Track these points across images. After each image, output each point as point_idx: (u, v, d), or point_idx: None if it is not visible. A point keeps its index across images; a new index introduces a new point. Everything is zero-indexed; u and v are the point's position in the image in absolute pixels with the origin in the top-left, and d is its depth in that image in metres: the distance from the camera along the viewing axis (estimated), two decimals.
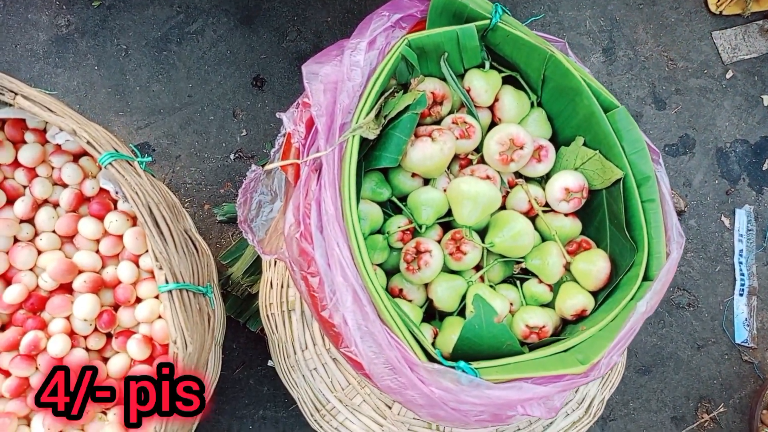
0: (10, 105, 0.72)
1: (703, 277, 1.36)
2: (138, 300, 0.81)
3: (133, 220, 0.81)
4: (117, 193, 0.71)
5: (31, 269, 0.80)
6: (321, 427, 0.95)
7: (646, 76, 1.44)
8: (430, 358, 0.72)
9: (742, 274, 1.36)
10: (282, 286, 0.98)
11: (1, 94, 0.68)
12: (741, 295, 1.35)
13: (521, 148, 0.82)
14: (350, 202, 0.72)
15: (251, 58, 1.30)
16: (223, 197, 1.24)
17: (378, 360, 0.70)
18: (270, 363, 1.17)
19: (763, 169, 1.42)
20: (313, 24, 1.34)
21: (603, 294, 0.81)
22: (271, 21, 1.32)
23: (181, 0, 1.30)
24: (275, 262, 1.01)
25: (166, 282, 0.67)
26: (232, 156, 1.26)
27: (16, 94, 0.68)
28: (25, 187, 0.82)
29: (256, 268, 1.14)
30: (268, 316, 0.99)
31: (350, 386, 0.94)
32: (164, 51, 1.28)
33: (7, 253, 0.79)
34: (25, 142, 0.81)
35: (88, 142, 0.68)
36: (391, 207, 0.85)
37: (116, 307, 0.82)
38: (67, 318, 0.79)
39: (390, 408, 0.95)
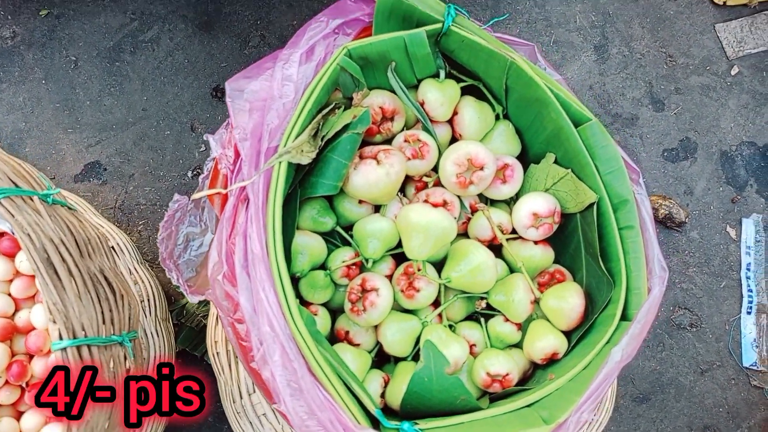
0: None
1: (707, 295, 1.25)
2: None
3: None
4: (13, 233, 0.63)
5: None
6: None
7: (642, 74, 1.33)
8: (373, 418, 0.63)
9: (750, 291, 1.25)
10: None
11: None
12: (749, 313, 1.24)
13: (481, 168, 0.72)
14: (276, 240, 0.63)
15: (211, 66, 1.21)
16: None
17: (310, 422, 0.61)
18: None
19: None
20: (278, 28, 1.25)
21: (577, 334, 0.72)
22: (232, 26, 1.23)
23: (135, 6, 1.21)
24: None
25: (60, 338, 0.58)
26: (189, 174, 1.18)
27: None
28: None
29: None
30: (214, 354, 0.91)
31: None
32: (117, 62, 1.19)
33: None
34: None
35: None
36: (338, 237, 0.76)
37: (30, 356, 0.74)
38: None
39: None
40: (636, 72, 1.34)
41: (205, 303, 1.06)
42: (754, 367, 1.23)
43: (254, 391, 0.86)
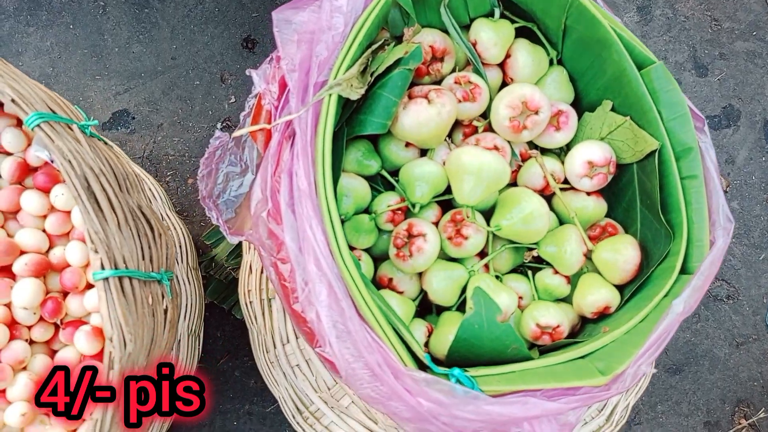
0: None
1: (745, 267, 1.21)
2: (89, 286, 0.71)
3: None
4: (52, 161, 0.61)
5: None
6: (304, 430, 0.85)
7: (686, 38, 1.29)
8: (421, 364, 0.61)
9: None
10: (262, 272, 0.87)
11: None
12: None
13: (536, 113, 0.69)
14: (325, 175, 0.60)
15: (242, 16, 1.18)
16: None
17: (356, 365, 0.59)
18: None
19: None
20: None
21: (631, 288, 0.69)
22: None
23: None
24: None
25: (102, 268, 0.56)
26: (219, 125, 1.15)
27: None
28: None
29: (241, 249, 1.04)
30: (247, 304, 0.89)
31: (337, 386, 0.83)
32: (146, 8, 1.16)
33: None
34: None
35: (13, 100, 0.57)
36: (382, 182, 0.73)
37: (65, 294, 0.72)
38: (7, 305, 0.69)
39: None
40: (679, 35, 1.29)
41: (235, 255, 1.04)
42: None
43: (288, 342, 0.84)
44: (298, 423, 0.85)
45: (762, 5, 1.31)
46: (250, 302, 0.87)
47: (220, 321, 1.08)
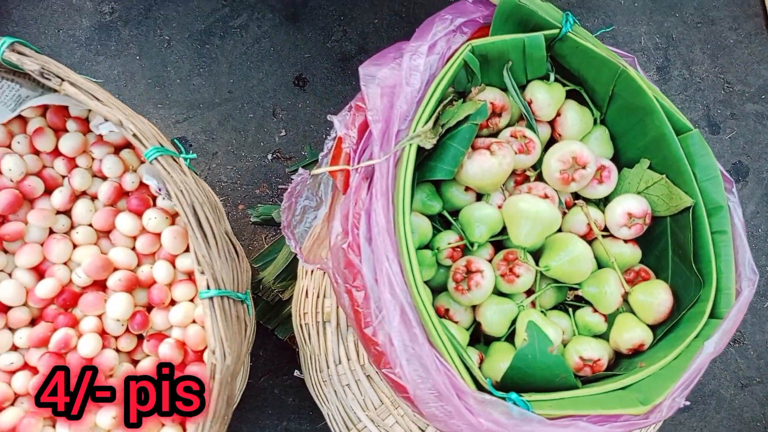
0: (56, 91, 0.69)
1: (751, 313, 1.29)
2: (172, 302, 0.77)
3: (172, 219, 0.78)
4: (159, 189, 0.68)
5: (65, 263, 0.77)
6: None
7: (700, 98, 1.39)
8: (479, 387, 0.68)
9: None
10: (318, 296, 0.94)
11: (48, 80, 0.65)
12: None
13: (584, 167, 0.77)
14: (404, 213, 0.68)
15: (294, 56, 1.27)
16: (258, 198, 1.20)
17: (424, 385, 0.66)
18: (297, 373, 1.13)
19: None
20: (360, 25, 1.30)
21: (663, 329, 0.76)
22: (316, 20, 1.29)
23: None
24: (312, 270, 0.97)
25: (208, 288, 0.63)
26: (269, 156, 1.23)
27: (62, 80, 0.65)
28: (63, 177, 0.79)
29: (288, 273, 1.11)
30: (301, 326, 0.95)
31: (383, 406, 0.90)
32: (207, 44, 1.25)
33: (42, 244, 0.76)
34: (66, 131, 0.78)
35: (134, 135, 0.65)
36: (440, 221, 0.81)
37: (149, 308, 0.78)
38: (99, 317, 0.76)
39: (424, 431, 0.91)
40: (695, 95, 1.39)
41: (281, 279, 1.11)
42: None
43: (339, 363, 0.91)
44: None
45: None
46: (305, 324, 0.94)
47: (264, 340, 1.14)
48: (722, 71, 1.41)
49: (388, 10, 1.32)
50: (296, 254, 0.78)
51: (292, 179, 0.78)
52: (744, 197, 1.35)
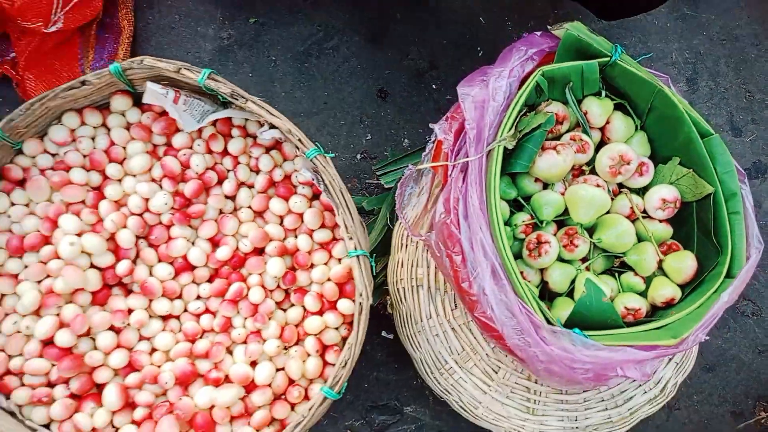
0: (233, 106, 0.94)
1: (767, 289, 1.50)
2: (312, 266, 1.02)
3: (310, 202, 1.02)
4: (315, 180, 0.92)
5: (233, 235, 1.02)
6: (438, 383, 1.15)
7: (725, 105, 1.59)
8: (550, 326, 0.91)
9: None
10: (412, 266, 1.18)
11: (236, 99, 0.90)
12: None
13: (628, 163, 1.00)
14: (495, 196, 0.91)
15: (377, 72, 1.51)
16: (351, 191, 1.45)
17: (510, 323, 0.89)
18: (384, 333, 1.37)
19: None
20: (430, 45, 1.54)
21: (689, 287, 0.99)
22: (394, 41, 1.53)
23: (321, 20, 1.52)
24: (405, 245, 1.21)
25: (355, 249, 0.87)
26: (358, 156, 1.47)
27: (246, 99, 0.90)
28: (229, 171, 1.04)
29: (378, 250, 1.35)
30: (398, 289, 1.19)
31: (465, 352, 1.13)
32: (306, 63, 1.50)
33: (216, 221, 1.01)
34: (231, 136, 1.03)
35: (299, 140, 0.89)
36: (514, 205, 1.04)
37: (294, 269, 1.03)
38: (260, 275, 1.00)
39: (496, 373, 1.14)
40: (720, 103, 1.60)
41: (374, 256, 1.35)
42: None
43: (430, 317, 1.15)
44: (434, 378, 1.15)
45: None
46: (402, 288, 1.18)
47: None
48: (744, 82, 1.61)
49: (453, 32, 1.56)
50: (404, 228, 1.02)
51: (391, 174, 1.02)
52: (763, 191, 1.55)
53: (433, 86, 1.52)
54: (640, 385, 1.16)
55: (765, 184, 1.55)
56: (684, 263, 0.98)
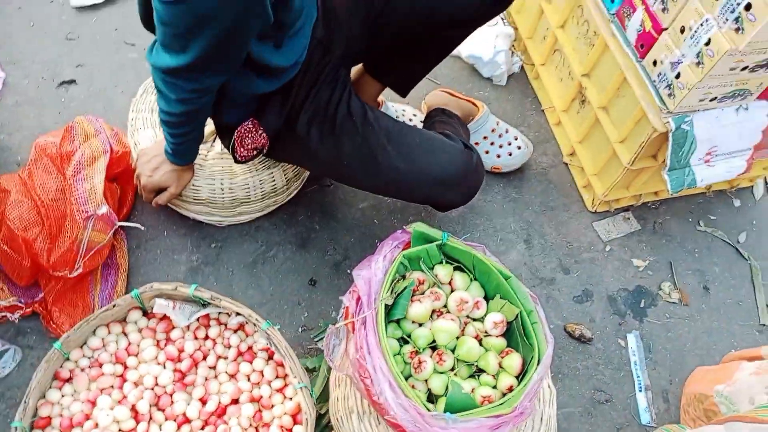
0: (212, 305, 1.44)
1: (613, 381, 2.00)
2: (272, 405, 1.45)
3: (267, 361, 1.49)
4: (269, 345, 1.40)
5: (216, 393, 1.45)
6: None
7: (554, 254, 2.22)
8: (431, 413, 1.37)
9: (639, 377, 2.00)
10: (345, 398, 1.63)
11: (216, 300, 1.41)
12: (640, 391, 1.99)
13: (467, 302, 1.54)
14: (384, 336, 1.43)
15: (307, 268, 2.07)
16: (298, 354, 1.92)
17: (406, 416, 1.35)
18: None
19: (641, 306, 2.14)
20: (342, 244, 2.13)
21: (521, 376, 1.49)
22: (317, 244, 2.11)
23: (262, 238, 2.10)
24: (338, 384, 1.67)
25: (300, 383, 1.32)
26: (299, 330, 1.96)
27: (221, 300, 1.41)
28: (210, 349, 1.51)
29: (321, 396, 1.79)
30: (337, 418, 1.63)
31: None
32: (254, 269, 2.04)
33: (204, 386, 1.45)
34: (210, 326, 1.52)
35: (256, 320, 1.39)
36: (402, 340, 1.55)
37: (260, 410, 1.46)
38: (238, 418, 1.43)
39: None
40: (550, 253, 2.22)
41: (320, 401, 1.79)
42: (650, 425, 1.93)
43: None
44: None
45: (593, 232, 2.26)
46: (340, 416, 1.62)
47: None
48: (564, 236, 2.26)
49: (357, 232, 2.16)
50: (334, 370, 1.50)
51: (326, 334, 1.52)
52: (593, 310, 2.11)
53: (348, 271, 2.08)
54: None
55: (594, 304, 2.13)
56: (514, 362, 1.49)
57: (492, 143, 2.21)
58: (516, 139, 2.24)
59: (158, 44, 1.29)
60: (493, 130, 2.19)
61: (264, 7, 1.21)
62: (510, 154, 2.22)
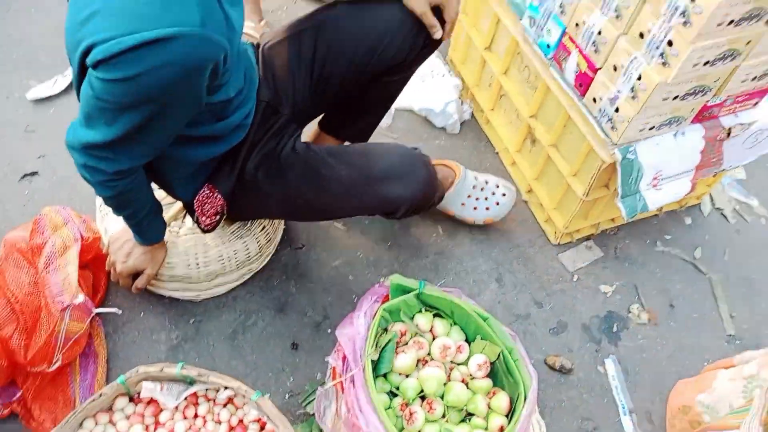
0: (200, 382, 1.44)
1: (597, 408, 2.03)
2: None
3: (260, 431, 1.48)
4: (259, 414, 1.40)
5: None
6: None
7: (526, 289, 2.28)
8: None
9: (622, 401, 2.05)
10: None
11: (202, 376, 1.40)
12: (625, 414, 2.03)
13: (450, 348, 1.58)
14: (373, 391, 1.44)
15: (288, 332, 2.07)
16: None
17: None
18: None
19: (614, 331, 2.21)
20: (320, 304, 2.14)
21: (511, 414, 1.51)
22: (295, 307, 2.12)
23: (240, 308, 2.10)
24: None
25: None
26: (286, 396, 1.94)
27: (209, 375, 1.41)
28: (200, 428, 1.49)
29: None
30: None
31: None
32: (235, 340, 2.03)
33: None
34: (198, 404, 1.50)
35: (246, 391, 1.39)
36: (392, 394, 1.56)
37: None
38: None
39: None
40: (522, 289, 2.28)
41: None
42: None
43: None
44: None
45: (559, 263, 2.34)
46: None
47: None
48: (533, 271, 2.33)
49: (334, 290, 2.18)
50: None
51: (315, 397, 1.53)
52: (570, 340, 2.16)
53: (328, 331, 2.09)
54: None
55: (570, 334, 2.18)
56: (502, 402, 1.52)
57: (477, 198, 2.21)
58: (498, 187, 2.23)
59: (79, 121, 1.26)
60: (474, 187, 2.19)
61: (201, 99, 1.25)
62: (498, 203, 2.22)
